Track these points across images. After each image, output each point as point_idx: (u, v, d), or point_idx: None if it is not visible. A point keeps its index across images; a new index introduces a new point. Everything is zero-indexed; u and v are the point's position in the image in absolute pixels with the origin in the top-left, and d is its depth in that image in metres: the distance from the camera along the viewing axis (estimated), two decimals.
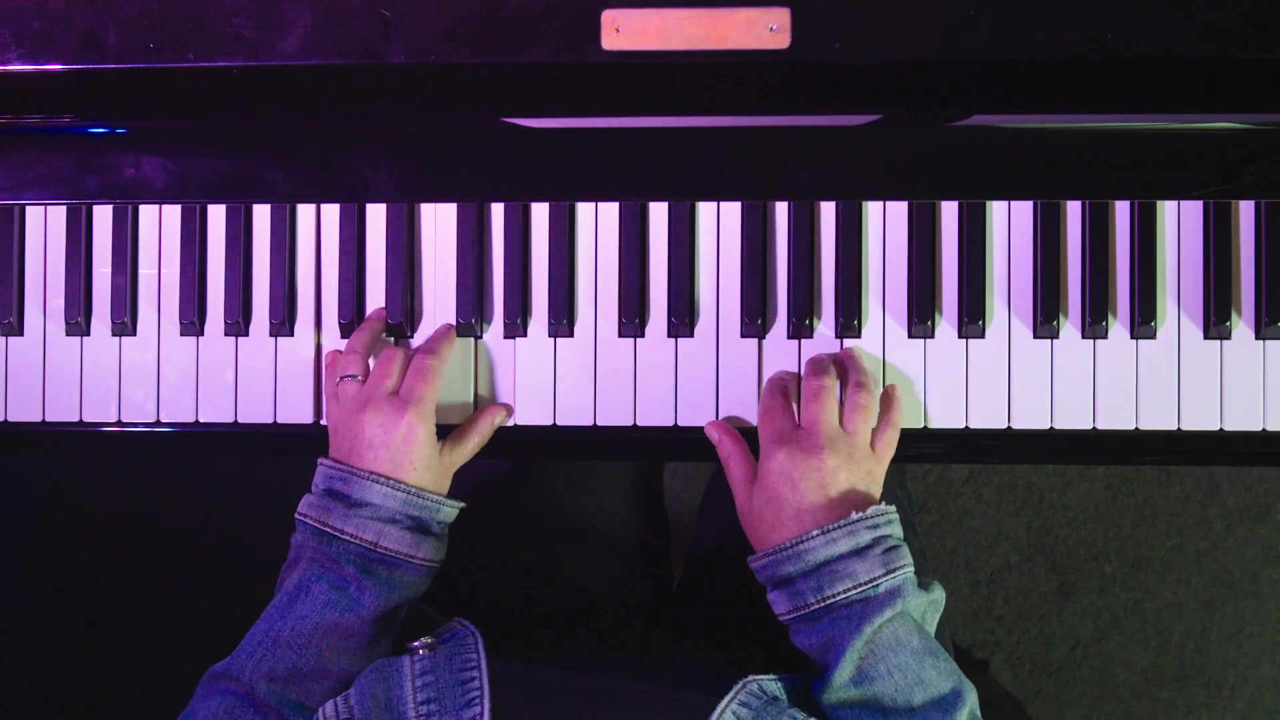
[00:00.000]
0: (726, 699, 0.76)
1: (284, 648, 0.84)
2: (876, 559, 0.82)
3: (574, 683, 0.81)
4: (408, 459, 0.88)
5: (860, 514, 0.83)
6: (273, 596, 0.89)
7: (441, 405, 0.96)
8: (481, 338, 0.97)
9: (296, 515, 0.88)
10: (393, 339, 0.97)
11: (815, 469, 0.85)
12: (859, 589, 0.81)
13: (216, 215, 0.98)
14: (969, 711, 0.81)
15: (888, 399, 0.92)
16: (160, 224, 0.98)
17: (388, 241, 0.97)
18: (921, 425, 0.94)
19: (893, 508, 0.85)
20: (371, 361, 0.93)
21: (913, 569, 0.84)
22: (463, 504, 0.91)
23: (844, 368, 0.93)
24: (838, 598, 0.81)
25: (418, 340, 0.97)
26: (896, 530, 0.85)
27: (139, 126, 0.94)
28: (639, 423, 0.95)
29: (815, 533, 0.83)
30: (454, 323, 0.96)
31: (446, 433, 0.93)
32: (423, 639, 0.82)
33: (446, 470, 0.92)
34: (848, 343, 0.95)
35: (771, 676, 0.82)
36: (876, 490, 0.87)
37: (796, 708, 0.78)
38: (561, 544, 1.11)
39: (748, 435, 0.92)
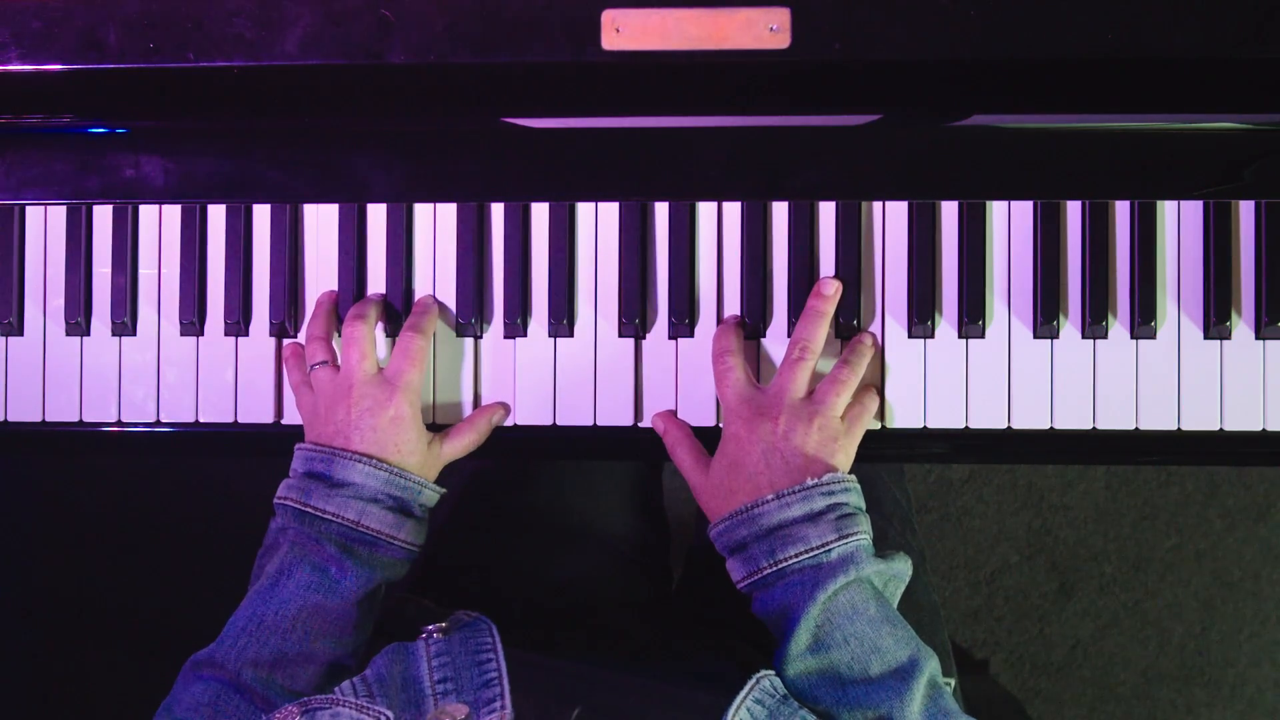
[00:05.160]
0: (741, 694, 0.76)
1: (268, 632, 0.84)
2: (829, 524, 0.82)
3: (588, 673, 0.81)
4: (393, 441, 0.88)
5: (815, 480, 0.83)
6: (249, 585, 0.89)
7: (441, 405, 0.96)
8: (481, 338, 0.97)
9: (276, 500, 0.89)
10: (383, 324, 0.97)
11: (771, 433, 0.86)
12: (810, 554, 0.81)
13: (216, 215, 0.98)
14: (927, 679, 0.80)
15: (864, 387, 0.92)
16: (160, 224, 0.98)
17: (388, 241, 0.97)
18: (921, 425, 0.94)
19: (852, 477, 0.85)
20: (337, 345, 0.94)
21: (869, 538, 0.84)
22: (444, 490, 0.92)
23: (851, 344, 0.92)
24: (789, 562, 0.81)
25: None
26: (854, 499, 0.85)
27: (139, 126, 0.94)
28: (639, 423, 0.95)
29: (769, 497, 0.83)
30: (433, 294, 0.96)
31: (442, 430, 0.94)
32: (436, 624, 0.82)
33: (438, 462, 0.92)
34: (847, 343, 0.94)
35: None
36: (841, 463, 0.87)
37: (808, 709, 0.78)
38: (561, 544, 1.11)
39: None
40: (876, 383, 0.94)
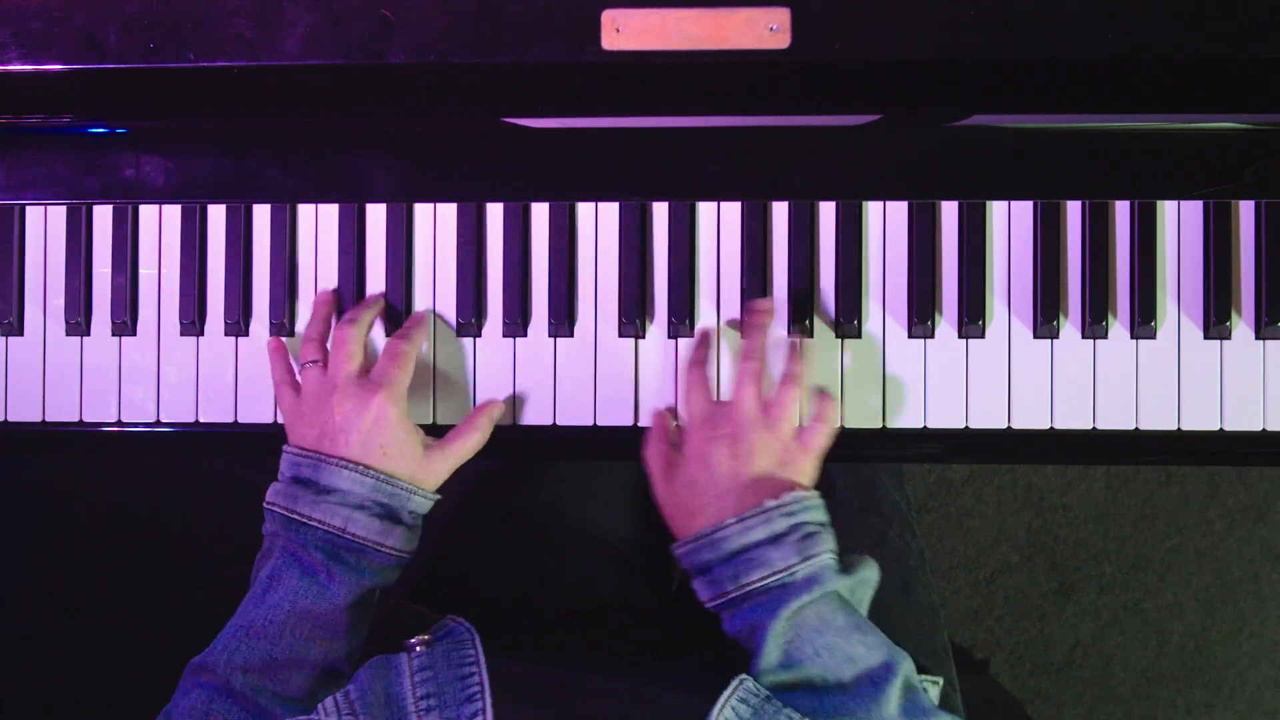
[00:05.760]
0: (724, 695, 0.76)
1: (258, 638, 0.84)
2: (792, 546, 0.82)
3: (573, 681, 0.81)
4: (377, 443, 0.87)
5: (775, 501, 0.83)
6: (248, 588, 0.89)
7: (441, 405, 0.96)
8: (481, 337, 0.97)
9: (265, 504, 0.88)
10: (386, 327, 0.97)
11: (728, 452, 0.86)
12: (775, 577, 0.81)
13: (216, 215, 0.98)
14: (902, 682, 0.80)
15: (823, 398, 0.92)
16: (160, 224, 0.98)
17: (388, 241, 0.97)
18: (921, 425, 0.94)
19: (813, 494, 0.85)
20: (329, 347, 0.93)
21: (832, 555, 0.83)
22: (438, 496, 0.91)
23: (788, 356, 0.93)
24: (754, 585, 0.82)
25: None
26: (816, 516, 0.85)
27: (139, 126, 0.94)
28: (639, 423, 0.95)
29: (731, 521, 0.83)
30: (432, 309, 0.96)
31: (445, 432, 0.94)
32: (419, 636, 0.82)
33: (440, 467, 0.91)
34: (848, 343, 0.95)
35: None
36: (801, 480, 0.87)
37: (792, 708, 0.78)
38: (560, 545, 1.11)
39: None
40: (871, 385, 0.94)
